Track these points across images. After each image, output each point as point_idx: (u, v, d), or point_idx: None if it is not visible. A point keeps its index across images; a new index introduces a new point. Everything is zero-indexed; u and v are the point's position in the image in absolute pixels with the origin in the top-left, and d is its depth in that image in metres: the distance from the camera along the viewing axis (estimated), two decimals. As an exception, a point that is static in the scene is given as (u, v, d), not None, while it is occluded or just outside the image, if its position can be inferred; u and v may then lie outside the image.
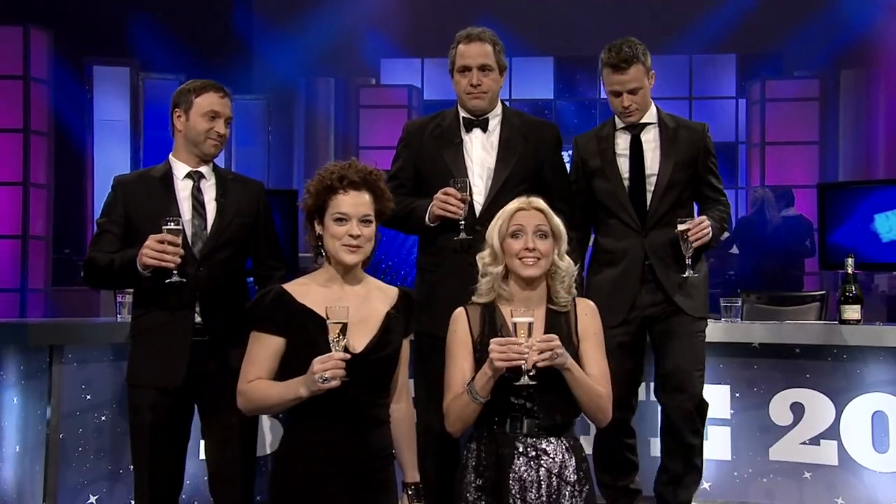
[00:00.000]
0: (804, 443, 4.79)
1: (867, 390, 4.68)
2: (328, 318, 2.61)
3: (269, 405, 2.78)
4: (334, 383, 2.58)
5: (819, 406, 4.77)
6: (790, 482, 4.80)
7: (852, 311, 4.66)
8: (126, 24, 10.98)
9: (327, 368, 2.57)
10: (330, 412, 2.70)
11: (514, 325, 2.73)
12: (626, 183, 4.01)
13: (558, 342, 2.77)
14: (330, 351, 2.61)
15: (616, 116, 4.08)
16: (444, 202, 3.62)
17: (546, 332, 2.87)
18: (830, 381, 4.75)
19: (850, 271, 4.67)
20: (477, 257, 3.06)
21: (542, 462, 2.86)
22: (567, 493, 2.86)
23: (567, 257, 3.00)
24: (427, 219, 3.70)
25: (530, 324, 2.72)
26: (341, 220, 2.77)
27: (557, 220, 3.00)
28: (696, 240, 3.84)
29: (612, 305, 3.83)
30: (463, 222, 3.64)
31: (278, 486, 2.79)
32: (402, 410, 2.95)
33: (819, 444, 4.77)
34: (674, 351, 4.03)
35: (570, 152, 4.23)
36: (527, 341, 2.72)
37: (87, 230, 10.06)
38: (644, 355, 4.18)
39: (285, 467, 2.79)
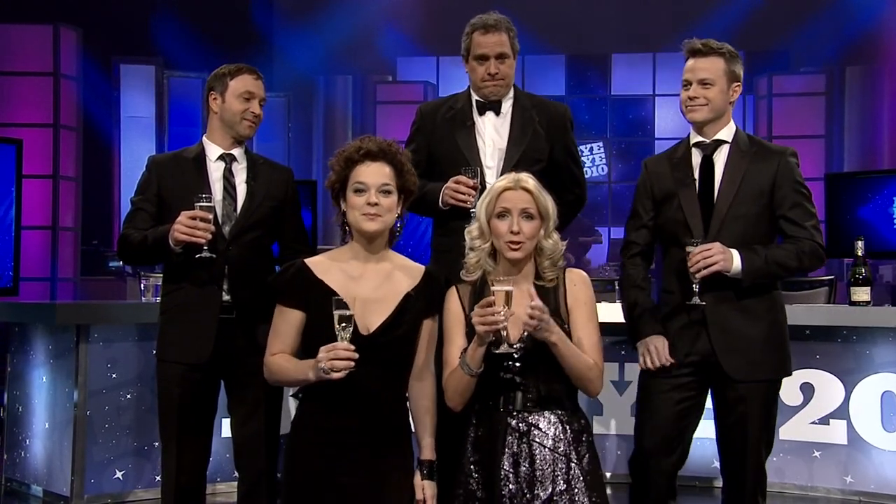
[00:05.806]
0: (814, 422, 4.91)
1: (876, 371, 4.79)
2: (334, 309, 2.55)
3: (286, 381, 2.85)
4: (336, 375, 2.54)
5: (829, 386, 4.87)
6: (800, 461, 4.92)
7: (862, 293, 4.69)
8: (151, 23, 11.03)
9: (331, 359, 2.54)
10: (342, 390, 2.65)
11: (494, 293, 2.68)
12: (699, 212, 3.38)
13: (546, 313, 2.71)
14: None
15: (690, 134, 3.53)
16: (455, 190, 3.54)
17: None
18: (840, 362, 4.85)
19: (859, 254, 4.70)
20: (465, 231, 2.97)
21: (533, 436, 2.80)
22: (562, 465, 2.77)
23: (554, 235, 2.90)
24: (439, 203, 3.63)
25: (508, 292, 2.65)
26: (360, 190, 2.73)
27: (545, 200, 2.88)
28: (696, 270, 3.24)
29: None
30: (474, 210, 3.39)
31: (291, 462, 2.79)
32: (421, 389, 2.85)
33: (829, 424, 4.88)
34: None
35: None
36: (505, 310, 2.64)
37: (114, 222, 10.11)
38: None
39: (298, 444, 2.78)
